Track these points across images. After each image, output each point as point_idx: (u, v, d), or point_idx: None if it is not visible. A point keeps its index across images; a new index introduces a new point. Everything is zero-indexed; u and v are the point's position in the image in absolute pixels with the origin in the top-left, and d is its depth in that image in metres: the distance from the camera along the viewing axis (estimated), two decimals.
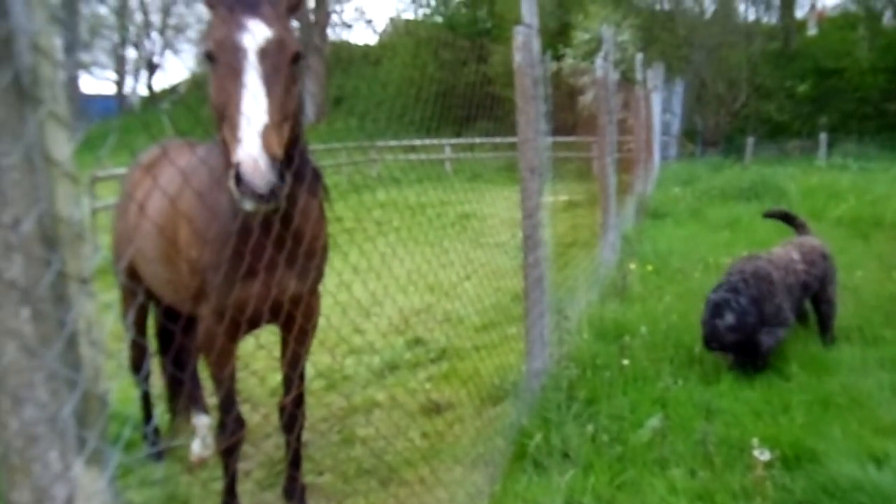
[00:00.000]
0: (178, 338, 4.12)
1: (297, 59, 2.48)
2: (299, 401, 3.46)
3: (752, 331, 4.61)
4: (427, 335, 6.34)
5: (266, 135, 2.20)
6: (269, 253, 2.77)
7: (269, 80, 2.32)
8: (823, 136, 25.89)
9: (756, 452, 3.35)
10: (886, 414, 4.02)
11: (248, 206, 2.20)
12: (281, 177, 2.20)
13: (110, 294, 4.47)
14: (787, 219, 6.00)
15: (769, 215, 6.32)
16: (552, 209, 13.09)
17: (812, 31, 35.93)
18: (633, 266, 7.34)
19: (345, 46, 38.14)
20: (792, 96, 31.56)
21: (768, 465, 3.32)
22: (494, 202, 11.64)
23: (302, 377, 3.47)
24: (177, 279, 3.21)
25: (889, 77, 29.72)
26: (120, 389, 4.95)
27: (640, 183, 12.96)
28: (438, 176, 17.03)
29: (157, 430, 4.53)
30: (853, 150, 24.45)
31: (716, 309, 4.62)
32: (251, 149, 2.17)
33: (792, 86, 31.64)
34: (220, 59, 2.38)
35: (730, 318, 4.55)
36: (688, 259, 8.00)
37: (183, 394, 4.48)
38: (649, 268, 7.63)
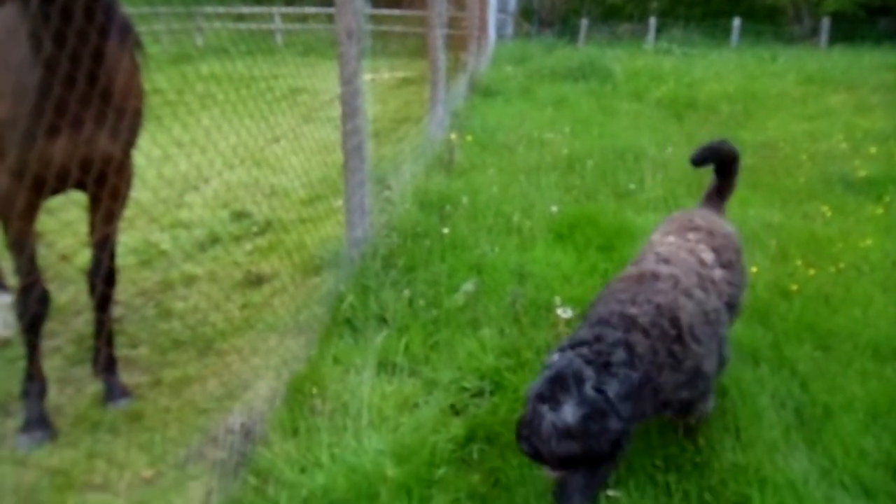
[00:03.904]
0: None
1: None
2: (110, 273, 3.32)
3: (609, 441, 2.21)
4: (252, 208, 6.20)
5: None
6: (73, 108, 2.58)
7: None
8: (653, 21, 26.81)
9: (559, 311, 3.55)
10: None
11: None
12: None
13: None
14: (722, 163, 3.41)
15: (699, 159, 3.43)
16: (387, 86, 12.98)
17: None
18: (459, 140, 7.42)
19: None
20: None
21: (569, 321, 3.54)
22: (327, 77, 11.31)
23: (113, 249, 3.31)
24: None
25: None
26: None
27: (474, 60, 12.96)
28: (269, 49, 16.30)
29: None
30: (678, 36, 25.46)
31: (551, 386, 2.24)
32: None
33: None
34: None
35: (569, 412, 2.19)
36: (513, 134, 8.19)
37: None
38: (476, 142, 7.74)
